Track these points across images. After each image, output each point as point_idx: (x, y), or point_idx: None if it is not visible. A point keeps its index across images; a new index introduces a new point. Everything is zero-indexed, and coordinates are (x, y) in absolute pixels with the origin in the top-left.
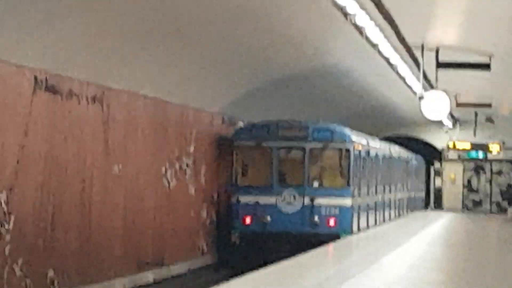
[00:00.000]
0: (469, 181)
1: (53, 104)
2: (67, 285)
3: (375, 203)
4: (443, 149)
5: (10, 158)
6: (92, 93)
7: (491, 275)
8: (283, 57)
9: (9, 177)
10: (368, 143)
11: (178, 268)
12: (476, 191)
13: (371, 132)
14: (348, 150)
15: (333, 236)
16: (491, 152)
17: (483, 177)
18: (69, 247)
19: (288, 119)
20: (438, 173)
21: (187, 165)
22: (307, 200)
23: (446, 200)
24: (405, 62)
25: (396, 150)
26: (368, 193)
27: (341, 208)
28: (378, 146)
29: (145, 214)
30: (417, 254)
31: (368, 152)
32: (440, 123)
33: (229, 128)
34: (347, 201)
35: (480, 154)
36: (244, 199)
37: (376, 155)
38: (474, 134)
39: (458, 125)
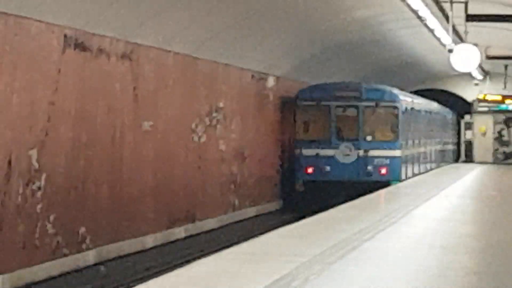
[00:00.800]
0: (499, 133)
1: (83, 61)
2: (99, 242)
3: (418, 154)
4: (473, 102)
5: (41, 115)
6: (121, 49)
7: None
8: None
9: (40, 134)
10: (412, 101)
11: (209, 224)
12: (507, 143)
13: (402, 86)
14: (397, 108)
15: (385, 183)
16: None
17: None
18: (100, 204)
19: (343, 81)
20: (468, 126)
21: (217, 121)
22: (361, 152)
23: (476, 152)
24: (435, 15)
25: (433, 106)
26: (413, 146)
27: (391, 159)
28: (420, 103)
29: (176, 169)
30: (448, 207)
31: (412, 109)
32: (470, 76)
33: (259, 83)
34: (396, 153)
35: (511, 106)
36: (306, 152)
37: (419, 111)
38: (504, 86)
39: (488, 77)
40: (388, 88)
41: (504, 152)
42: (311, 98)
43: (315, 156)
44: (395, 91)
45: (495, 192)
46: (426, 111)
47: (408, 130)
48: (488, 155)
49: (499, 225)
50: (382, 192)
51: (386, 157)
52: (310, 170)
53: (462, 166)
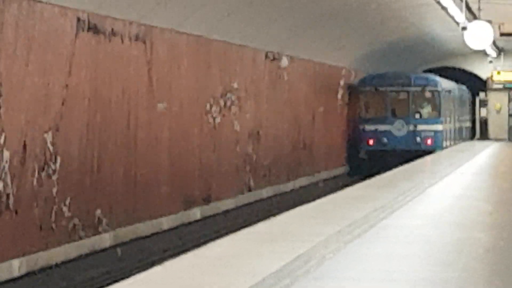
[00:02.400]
0: None
1: (96, 44)
2: (115, 224)
3: (453, 129)
4: (487, 79)
5: (55, 99)
6: (134, 32)
7: None
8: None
9: (54, 117)
10: (448, 85)
11: (225, 205)
12: None
13: (416, 64)
14: (438, 92)
15: (430, 151)
16: None
17: None
18: (116, 186)
19: (396, 70)
20: (483, 103)
21: (231, 101)
22: (411, 127)
23: (491, 130)
24: None
25: (459, 88)
26: (449, 122)
27: (435, 132)
28: (452, 86)
29: (190, 151)
30: (464, 184)
31: (449, 92)
32: (484, 53)
33: (273, 63)
34: (439, 127)
35: None
36: (368, 127)
37: (452, 93)
38: None
39: (502, 54)
40: (431, 76)
41: None
42: (371, 84)
43: (375, 130)
44: (437, 78)
45: (510, 168)
46: (455, 93)
47: (446, 109)
48: (503, 132)
49: None
50: (398, 169)
51: (431, 131)
52: (371, 141)
53: (477, 143)
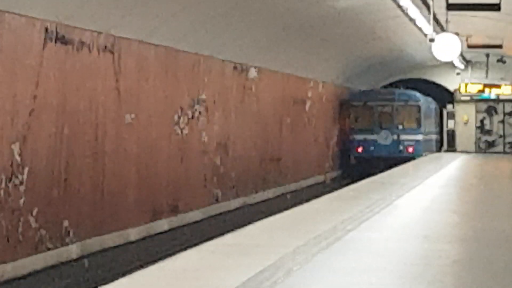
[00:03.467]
0: (481, 122)
1: (64, 55)
2: (82, 235)
3: (429, 139)
4: (455, 91)
5: (23, 110)
6: (103, 43)
7: (505, 215)
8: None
9: (22, 128)
10: (426, 100)
11: (192, 216)
12: (489, 132)
13: (384, 76)
14: (419, 106)
15: (411, 158)
16: (503, 93)
17: (495, 118)
18: (83, 197)
19: (381, 87)
20: (451, 115)
21: (199, 113)
22: (395, 137)
23: (459, 141)
24: (415, 4)
25: (433, 101)
26: (427, 133)
27: (416, 141)
28: (429, 101)
29: (158, 162)
30: (431, 196)
31: (427, 106)
32: (451, 65)
33: (241, 75)
34: (419, 137)
35: (492, 95)
36: (357, 137)
37: (428, 107)
38: (486, 76)
39: (469, 66)
40: (413, 92)
41: (486, 141)
42: (360, 99)
43: (363, 139)
44: (418, 94)
45: (478, 181)
46: (430, 106)
47: (425, 121)
48: (471, 144)
49: (482, 213)
50: (366, 181)
51: (412, 140)
52: (360, 149)
53: (445, 155)
